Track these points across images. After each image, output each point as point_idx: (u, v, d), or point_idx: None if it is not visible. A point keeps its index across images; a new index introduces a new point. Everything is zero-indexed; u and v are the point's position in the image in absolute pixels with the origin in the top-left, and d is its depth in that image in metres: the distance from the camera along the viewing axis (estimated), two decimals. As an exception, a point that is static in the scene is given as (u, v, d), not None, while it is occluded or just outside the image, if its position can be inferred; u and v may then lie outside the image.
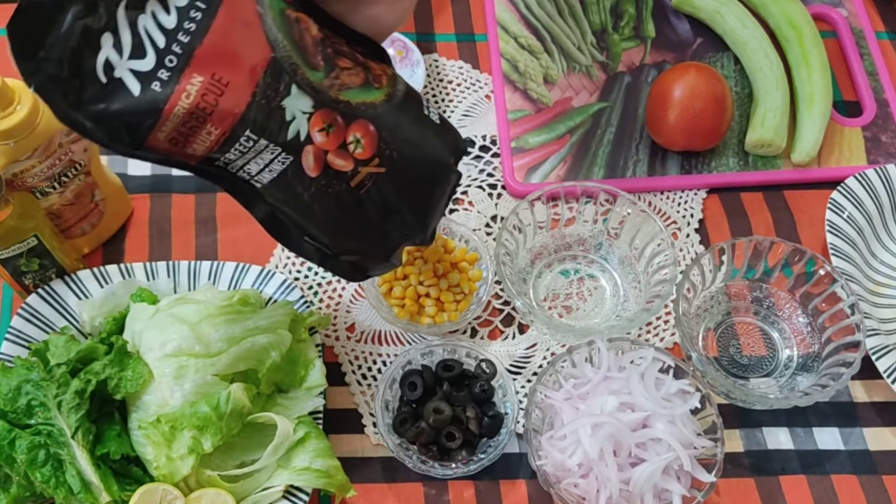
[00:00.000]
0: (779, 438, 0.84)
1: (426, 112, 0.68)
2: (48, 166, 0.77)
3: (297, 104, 0.59)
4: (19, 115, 0.71)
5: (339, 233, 0.67)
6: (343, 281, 0.89)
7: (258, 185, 0.62)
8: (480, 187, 0.95)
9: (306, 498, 0.74)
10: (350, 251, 0.68)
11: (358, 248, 0.69)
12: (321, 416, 0.78)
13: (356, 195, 0.64)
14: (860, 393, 0.86)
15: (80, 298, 0.82)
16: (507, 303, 0.89)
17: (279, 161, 0.61)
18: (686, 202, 0.96)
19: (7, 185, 0.74)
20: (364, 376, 0.85)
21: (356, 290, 0.89)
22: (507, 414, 0.80)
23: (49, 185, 0.79)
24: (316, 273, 0.89)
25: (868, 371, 0.82)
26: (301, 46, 0.59)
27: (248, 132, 0.58)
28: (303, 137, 0.60)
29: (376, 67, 0.65)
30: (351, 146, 0.63)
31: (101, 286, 0.83)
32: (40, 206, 0.78)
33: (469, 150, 0.97)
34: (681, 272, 0.85)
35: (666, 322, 0.89)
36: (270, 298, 0.83)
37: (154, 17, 0.55)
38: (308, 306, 0.82)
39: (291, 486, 0.75)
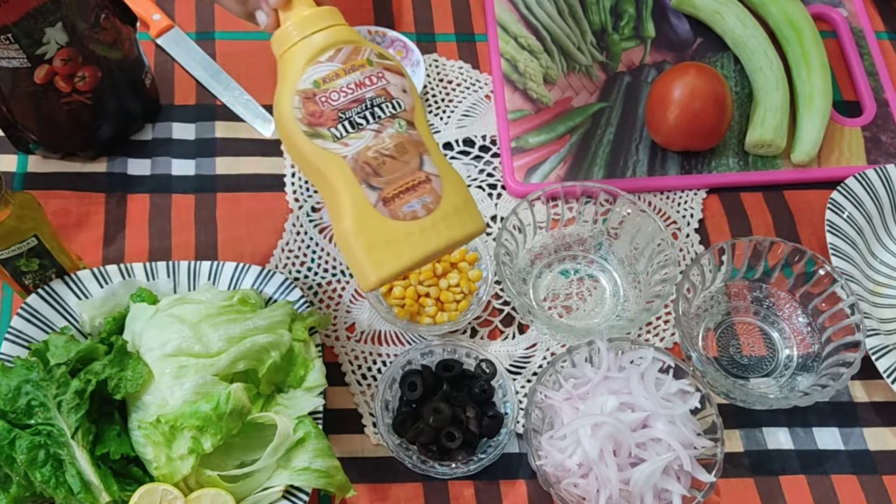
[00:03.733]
0: (779, 438, 0.84)
1: (143, 77, 0.93)
2: (355, 82, 0.64)
3: (55, 35, 0.79)
4: None
5: (28, 118, 0.87)
6: (343, 281, 0.89)
7: None
8: (480, 187, 0.95)
9: (306, 498, 0.74)
10: (29, 129, 0.89)
11: (38, 132, 0.89)
12: (321, 416, 0.78)
13: (59, 106, 0.86)
14: (860, 393, 0.86)
15: (80, 298, 0.82)
16: (507, 303, 0.89)
17: (19, 61, 0.79)
18: (686, 202, 0.96)
19: (312, 100, 0.64)
20: (364, 376, 0.85)
21: (356, 290, 0.89)
22: (506, 414, 0.80)
23: (360, 112, 0.64)
24: (316, 273, 0.89)
25: (868, 371, 0.82)
26: (81, 2, 0.80)
27: (8, 35, 0.76)
28: (47, 58, 0.80)
29: (125, 31, 0.88)
30: (77, 79, 0.84)
31: (101, 286, 0.82)
32: (41, 207, 0.78)
33: (469, 150, 0.97)
34: (681, 272, 0.85)
35: (666, 322, 0.89)
36: (270, 298, 0.83)
37: None
38: (308, 306, 0.82)
39: (291, 486, 0.75)
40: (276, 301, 0.83)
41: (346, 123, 0.64)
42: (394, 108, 0.65)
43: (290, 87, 0.64)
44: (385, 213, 0.64)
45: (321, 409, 0.78)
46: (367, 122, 0.64)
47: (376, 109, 0.65)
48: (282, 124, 0.65)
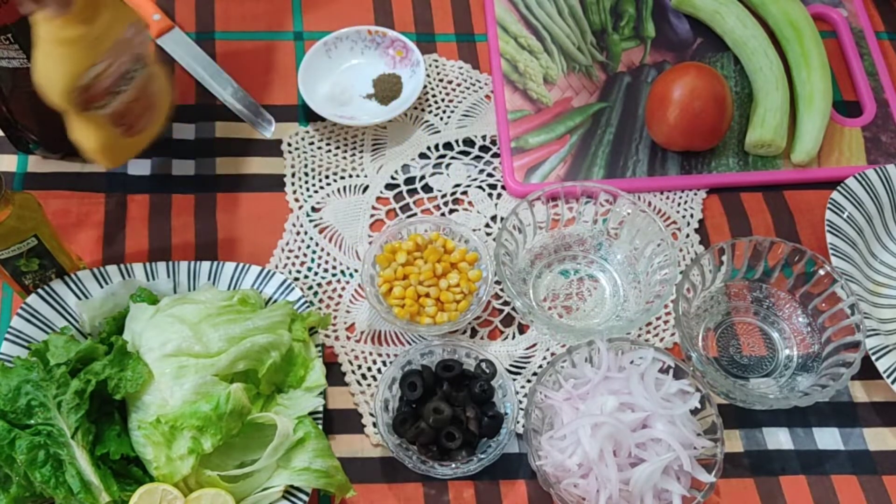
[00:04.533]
0: (779, 438, 0.84)
1: None
2: (121, 63, 0.73)
3: None
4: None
5: (28, 118, 0.88)
6: (343, 281, 0.89)
7: None
8: (480, 187, 0.95)
9: (306, 498, 0.74)
10: (29, 129, 0.90)
11: (38, 132, 0.90)
12: (321, 416, 0.78)
13: None
14: (860, 393, 0.86)
15: (80, 298, 0.82)
16: (507, 303, 0.89)
17: (19, 61, 0.80)
18: (686, 202, 0.95)
19: (90, 90, 0.72)
20: (364, 376, 0.85)
21: (356, 290, 0.89)
22: (506, 414, 0.80)
23: (123, 84, 0.74)
24: (316, 273, 0.89)
25: (868, 371, 0.82)
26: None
27: (8, 35, 0.77)
28: None
29: None
30: None
31: (101, 286, 0.83)
32: (41, 207, 0.78)
33: (469, 150, 0.97)
34: (681, 272, 0.85)
35: (666, 322, 0.89)
36: (270, 298, 0.83)
37: None
38: (308, 306, 0.82)
39: (291, 486, 0.75)
40: (276, 301, 0.83)
41: (112, 96, 0.74)
42: (142, 63, 0.75)
43: (71, 79, 0.71)
44: (128, 136, 0.78)
45: (321, 409, 0.78)
46: (127, 85, 0.74)
47: (133, 73, 0.74)
48: (56, 101, 0.72)
